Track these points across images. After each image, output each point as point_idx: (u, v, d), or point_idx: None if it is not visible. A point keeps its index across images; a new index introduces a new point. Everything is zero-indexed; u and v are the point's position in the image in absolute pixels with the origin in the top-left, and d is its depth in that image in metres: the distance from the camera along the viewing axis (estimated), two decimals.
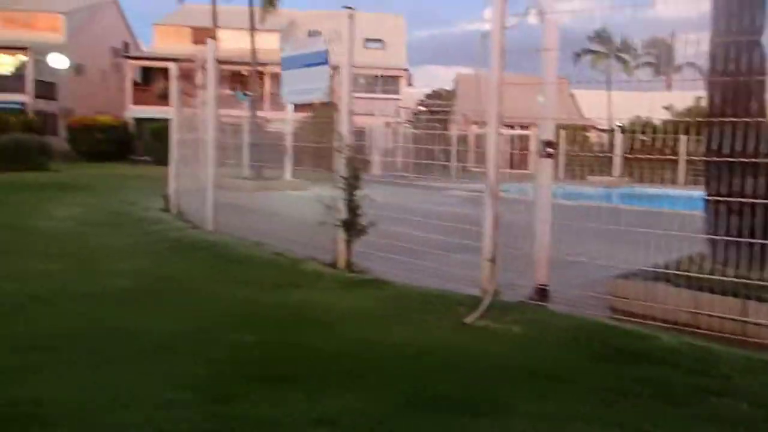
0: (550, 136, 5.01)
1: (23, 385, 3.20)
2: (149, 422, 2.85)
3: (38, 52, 33.29)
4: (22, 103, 32.62)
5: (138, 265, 6.26)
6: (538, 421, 2.92)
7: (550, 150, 5.01)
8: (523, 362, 3.76)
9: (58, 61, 32.91)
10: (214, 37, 24.63)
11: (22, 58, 33.59)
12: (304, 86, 7.56)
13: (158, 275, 5.85)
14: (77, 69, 35.81)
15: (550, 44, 4.90)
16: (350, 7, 6.62)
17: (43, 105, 33.83)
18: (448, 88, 39.65)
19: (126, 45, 42.01)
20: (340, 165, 6.39)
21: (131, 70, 36.26)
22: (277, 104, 30.89)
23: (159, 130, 28.28)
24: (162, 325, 4.26)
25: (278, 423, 2.89)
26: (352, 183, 6.33)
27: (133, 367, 3.51)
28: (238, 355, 3.76)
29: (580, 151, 20.83)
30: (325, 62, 7.10)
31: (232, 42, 28.12)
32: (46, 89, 34.14)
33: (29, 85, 33.29)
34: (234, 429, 2.84)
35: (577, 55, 34.36)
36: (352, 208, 6.31)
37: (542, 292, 5.14)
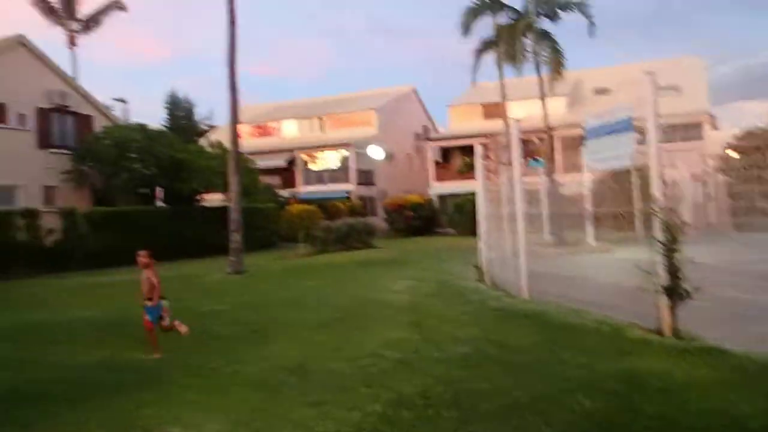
0: None
1: None
2: None
3: (357, 145, 38.84)
4: (348, 191, 38.15)
5: (471, 333, 7.02)
6: None
7: None
8: None
9: (375, 152, 37.92)
10: (504, 111, 26.14)
11: (345, 152, 39.45)
12: (609, 153, 7.80)
13: (491, 342, 6.49)
14: (388, 155, 40.69)
15: None
16: (651, 73, 6.76)
17: (364, 190, 39.08)
18: (762, 124, 35.22)
19: (425, 128, 46.50)
20: (656, 228, 6.40)
21: (432, 151, 39.85)
22: (569, 167, 31.01)
23: (460, 204, 30.48)
24: (508, 388, 4.80)
25: None
26: (670, 246, 6.28)
27: (493, 426, 4.08)
28: (581, 418, 4.09)
29: None
30: (630, 129, 7.27)
31: (520, 111, 29.48)
32: (365, 177, 39.49)
33: (352, 175, 38.88)
34: None
35: None
36: (673, 272, 6.24)
37: None
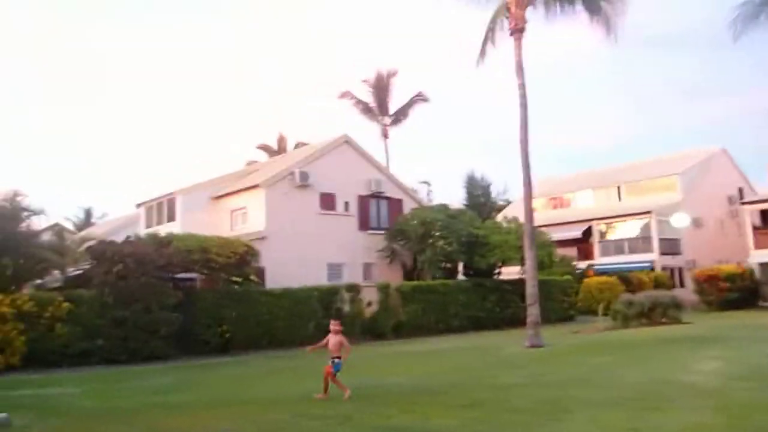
0: None
1: None
2: None
3: (659, 212, 36.60)
4: (650, 262, 35.89)
5: None
6: None
7: None
8: None
9: (679, 219, 35.28)
10: None
11: (646, 221, 37.42)
12: None
13: None
14: (695, 222, 37.42)
15: None
16: None
17: (669, 260, 36.37)
18: None
19: (740, 191, 41.73)
20: None
21: (749, 215, 35.50)
22: None
23: None
24: None
25: None
26: None
27: None
28: None
29: None
30: None
31: None
32: (669, 246, 36.82)
33: (655, 244, 36.57)
34: None
35: None
36: None
37: None
